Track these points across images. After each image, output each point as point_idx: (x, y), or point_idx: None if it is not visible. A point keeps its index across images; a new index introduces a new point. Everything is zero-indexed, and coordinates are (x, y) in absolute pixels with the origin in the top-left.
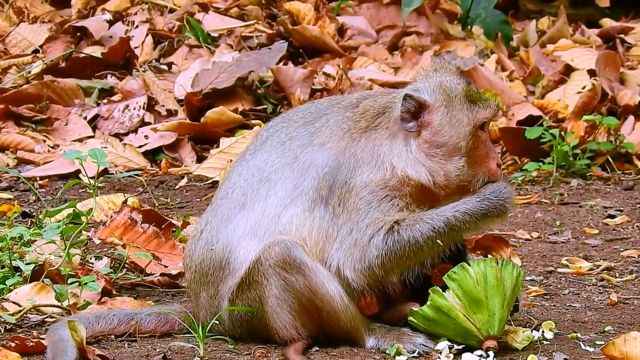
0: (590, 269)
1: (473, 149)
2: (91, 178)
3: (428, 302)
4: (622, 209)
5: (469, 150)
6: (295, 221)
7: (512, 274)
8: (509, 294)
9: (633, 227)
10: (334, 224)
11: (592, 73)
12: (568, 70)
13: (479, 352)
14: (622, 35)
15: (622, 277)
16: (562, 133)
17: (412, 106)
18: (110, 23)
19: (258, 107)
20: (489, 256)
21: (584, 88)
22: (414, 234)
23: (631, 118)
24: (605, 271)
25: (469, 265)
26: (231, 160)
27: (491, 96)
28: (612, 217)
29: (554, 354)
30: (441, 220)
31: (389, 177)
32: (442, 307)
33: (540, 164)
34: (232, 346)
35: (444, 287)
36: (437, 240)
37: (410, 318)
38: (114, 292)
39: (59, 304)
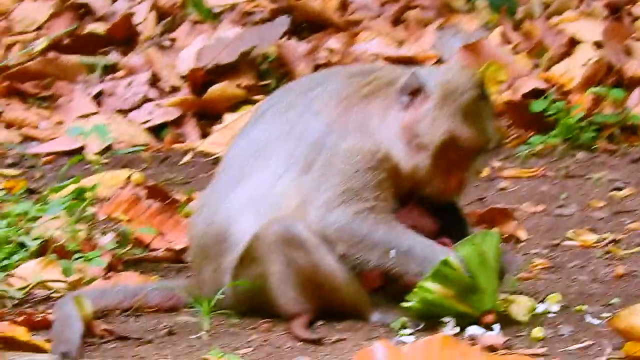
0: (596, 242)
1: (440, 158)
2: (95, 154)
3: (416, 299)
4: (628, 181)
5: (436, 156)
6: (287, 191)
7: (491, 243)
8: (493, 264)
9: (639, 200)
10: (312, 184)
11: (598, 45)
12: (573, 42)
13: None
14: (628, 7)
15: (628, 250)
16: (568, 106)
17: (414, 84)
18: None
19: (262, 83)
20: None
21: (589, 60)
22: (376, 229)
23: (637, 90)
24: (611, 244)
25: (451, 255)
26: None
27: (496, 69)
28: (618, 189)
29: (559, 326)
30: (406, 242)
31: (375, 150)
32: (431, 301)
33: (546, 136)
34: (237, 320)
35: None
36: (391, 252)
37: (406, 312)
38: (119, 267)
39: (65, 279)
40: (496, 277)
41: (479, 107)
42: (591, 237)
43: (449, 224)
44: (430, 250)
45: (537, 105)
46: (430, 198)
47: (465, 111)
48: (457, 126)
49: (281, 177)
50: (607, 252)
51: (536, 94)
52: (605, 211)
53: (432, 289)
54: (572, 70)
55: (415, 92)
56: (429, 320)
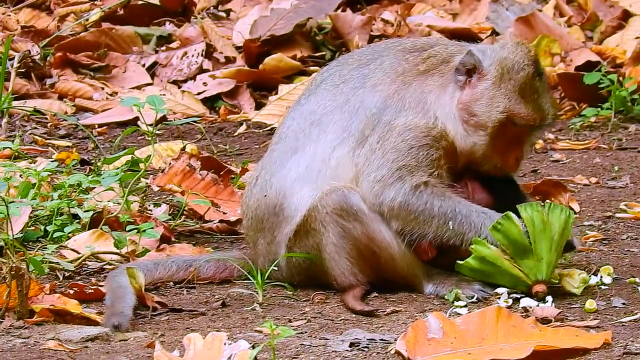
0: None
1: (498, 135)
2: (149, 125)
3: (472, 254)
4: None
5: (494, 134)
6: (342, 163)
7: (559, 217)
8: (557, 238)
9: None
10: (367, 159)
11: None
12: (626, 15)
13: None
14: None
15: None
16: (621, 78)
17: (469, 63)
18: None
19: (316, 54)
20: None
21: None
22: (432, 203)
23: None
24: None
25: (515, 212)
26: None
27: (549, 42)
28: None
29: (612, 298)
30: (463, 210)
31: (431, 126)
32: (486, 256)
33: (599, 109)
34: (291, 292)
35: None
36: (449, 222)
37: (458, 270)
38: (173, 239)
39: (118, 251)
40: (558, 252)
41: (535, 84)
42: None
43: (504, 198)
44: (487, 217)
45: (590, 78)
46: (487, 173)
47: (521, 89)
48: (514, 104)
49: (336, 150)
50: None
51: (589, 66)
52: None
53: (489, 245)
54: (625, 43)
55: (471, 70)
56: (481, 283)
